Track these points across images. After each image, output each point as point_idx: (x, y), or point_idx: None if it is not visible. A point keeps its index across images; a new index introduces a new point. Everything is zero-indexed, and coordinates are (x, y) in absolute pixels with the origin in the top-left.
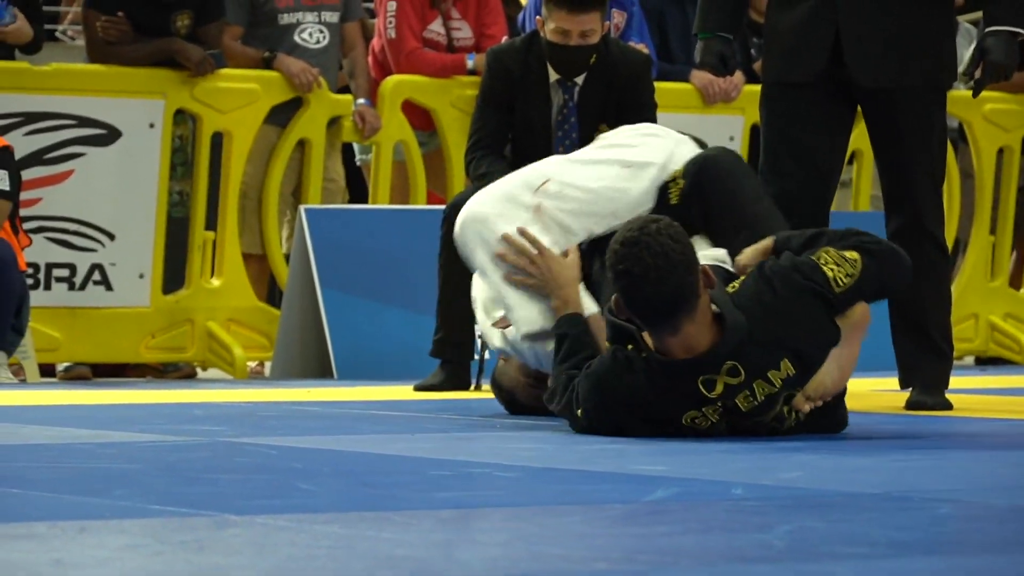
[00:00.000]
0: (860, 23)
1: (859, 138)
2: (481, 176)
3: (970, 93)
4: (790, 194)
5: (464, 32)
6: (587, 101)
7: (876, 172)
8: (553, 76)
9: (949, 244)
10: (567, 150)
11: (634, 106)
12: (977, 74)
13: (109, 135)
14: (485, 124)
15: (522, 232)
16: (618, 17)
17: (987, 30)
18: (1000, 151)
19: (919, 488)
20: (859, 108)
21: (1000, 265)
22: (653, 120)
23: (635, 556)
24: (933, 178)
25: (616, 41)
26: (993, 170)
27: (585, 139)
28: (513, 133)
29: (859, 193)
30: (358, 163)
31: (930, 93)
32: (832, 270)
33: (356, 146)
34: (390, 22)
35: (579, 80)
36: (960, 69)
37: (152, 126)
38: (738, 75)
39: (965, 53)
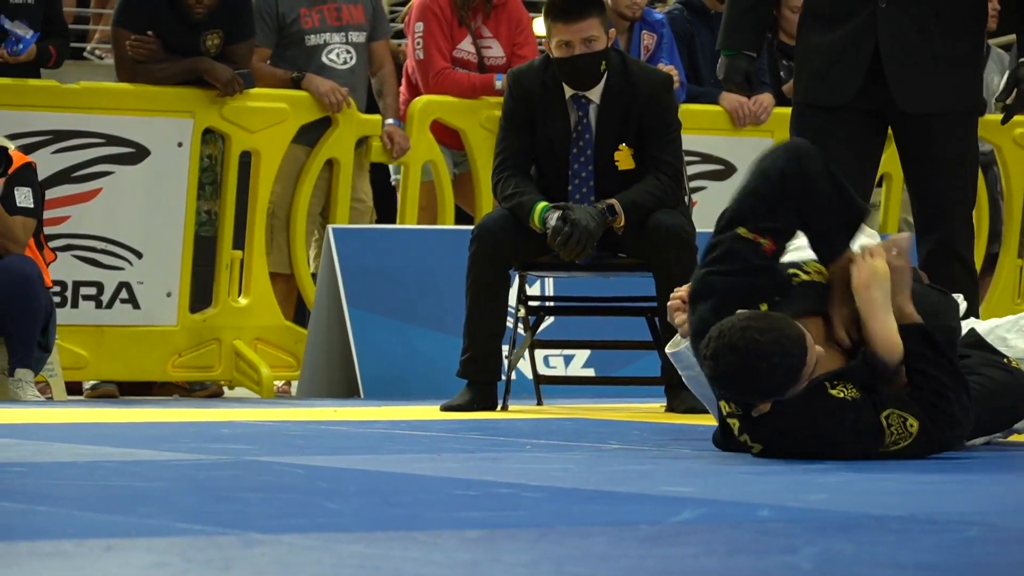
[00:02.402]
0: (901, 47)
1: (888, 161)
2: (508, 197)
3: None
4: None
5: (495, 51)
6: (605, 119)
7: (905, 195)
8: (568, 93)
9: (977, 265)
10: (581, 167)
11: (657, 126)
12: (1009, 101)
13: (137, 153)
14: (509, 145)
15: None
16: (648, 39)
17: (1022, 60)
18: None
19: (946, 511)
20: (888, 131)
21: None
22: (677, 140)
23: None
24: (965, 202)
25: (636, 61)
26: (1023, 194)
27: (601, 157)
28: (536, 152)
29: (888, 216)
30: (393, 183)
31: (964, 118)
32: (891, 433)
33: (391, 166)
34: (418, 43)
35: (595, 97)
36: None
37: (180, 145)
38: (768, 97)
39: (995, 77)
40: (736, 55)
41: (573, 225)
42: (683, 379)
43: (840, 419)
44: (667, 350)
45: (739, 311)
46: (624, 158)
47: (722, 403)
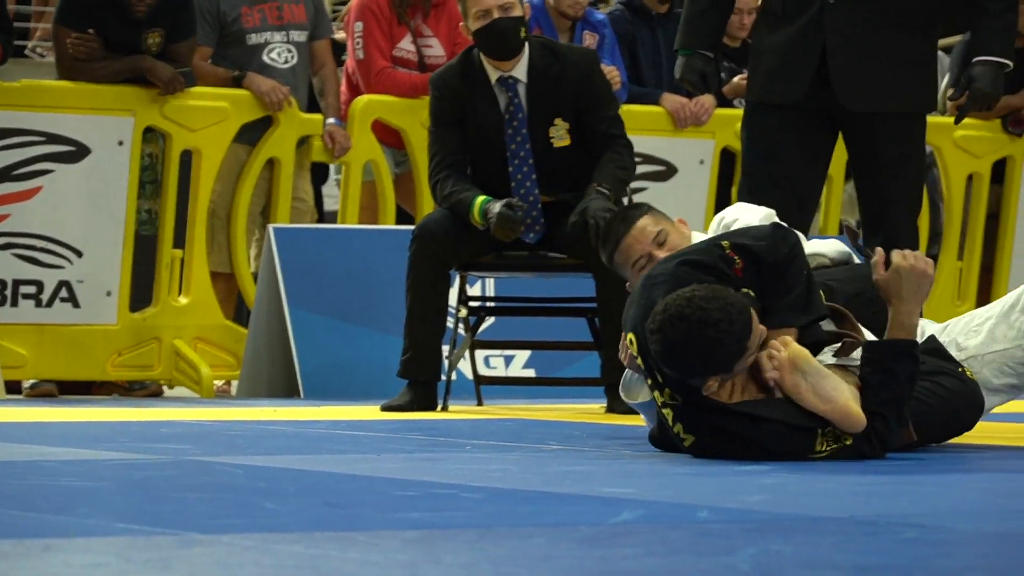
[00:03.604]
0: (847, 47)
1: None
2: (447, 196)
3: (941, 119)
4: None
5: (436, 50)
6: (535, 96)
7: (846, 196)
8: (494, 76)
9: None
10: (519, 147)
11: (595, 102)
12: (962, 101)
13: (78, 152)
14: (442, 146)
15: None
16: (589, 39)
17: (975, 59)
18: (970, 177)
19: (885, 512)
20: (839, 133)
21: (967, 291)
22: (616, 113)
23: None
24: (910, 204)
25: (559, 42)
26: (963, 196)
27: (537, 135)
28: (471, 147)
29: (828, 217)
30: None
31: (912, 119)
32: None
33: (332, 166)
34: (358, 43)
35: (521, 76)
36: (941, 95)
37: (121, 143)
38: (709, 98)
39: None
40: (692, 55)
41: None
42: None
43: (774, 419)
44: (627, 400)
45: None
46: (559, 134)
47: (656, 393)
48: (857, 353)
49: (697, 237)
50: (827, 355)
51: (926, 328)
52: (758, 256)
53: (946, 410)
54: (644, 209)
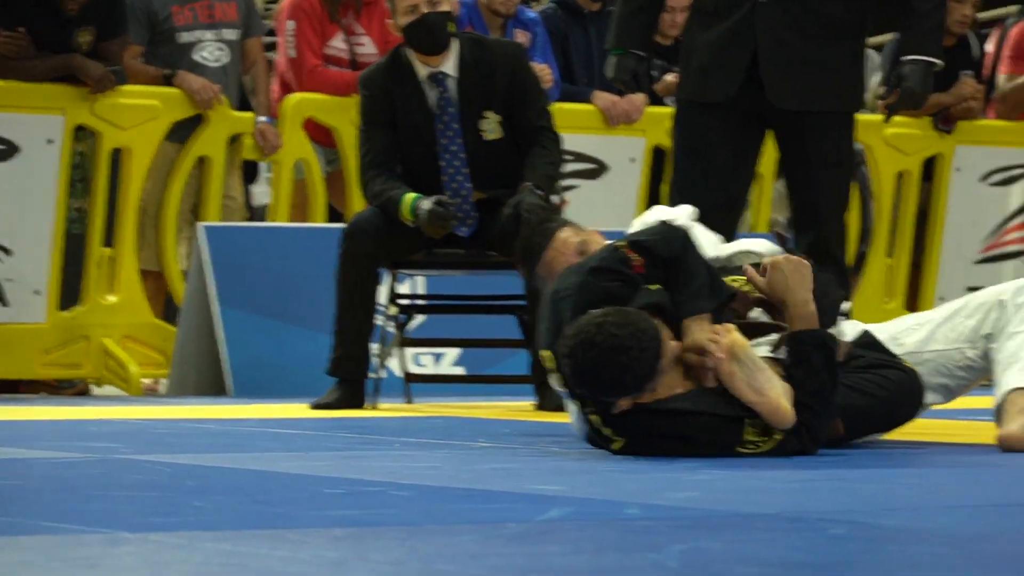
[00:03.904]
0: (777, 46)
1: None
2: (377, 195)
3: (872, 117)
4: (698, 214)
5: (368, 48)
6: (465, 90)
7: (775, 194)
8: (423, 73)
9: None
10: (450, 142)
11: (524, 95)
12: (892, 100)
13: (8, 150)
14: (373, 146)
15: None
16: (521, 37)
17: (904, 58)
18: (899, 175)
19: (813, 509)
20: (769, 131)
21: (896, 288)
22: (545, 105)
23: (529, 575)
24: (840, 202)
25: (487, 37)
26: (892, 193)
27: (468, 129)
28: (402, 145)
29: (759, 215)
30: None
31: (841, 118)
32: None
33: (263, 164)
34: (290, 41)
35: (451, 71)
36: (869, 94)
37: (51, 142)
38: (640, 96)
39: (869, 78)
40: (625, 54)
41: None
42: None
43: (701, 411)
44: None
45: (591, 310)
46: (491, 127)
47: (580, 403)
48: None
49: None
50: (763, 348)
51: (849, 328)
52: (654, 250)
53: (892, 402)
54: (562, 221)
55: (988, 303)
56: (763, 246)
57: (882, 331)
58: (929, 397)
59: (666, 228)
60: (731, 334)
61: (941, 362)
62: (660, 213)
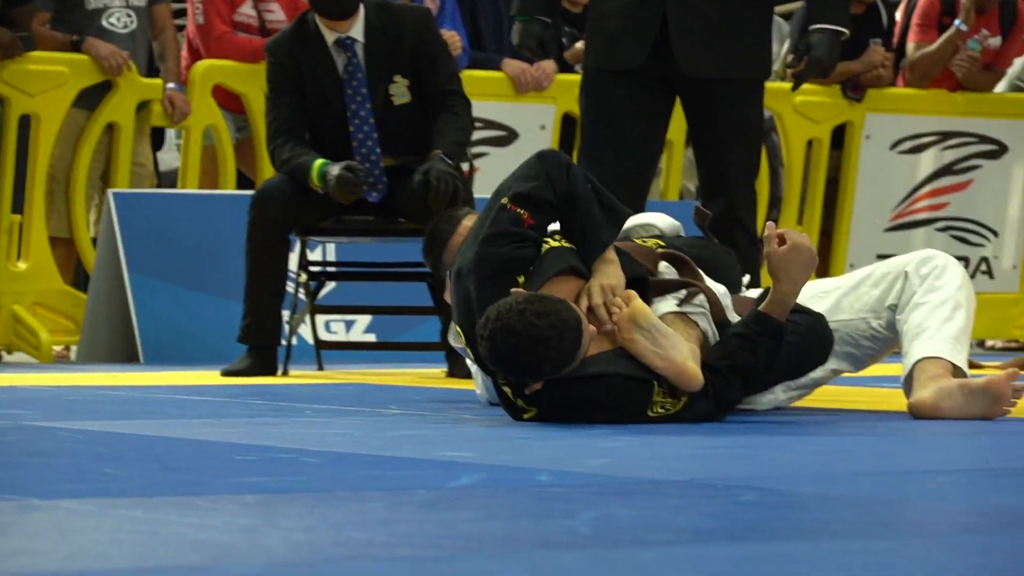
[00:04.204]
0: (686, 13)
1: (670, 128)
2: (285, 162)
3: (781, 85)
4: (607, 182)
5: (277, 14)
6: (373, 55)
7: (686, 161)
8: (331, 38)
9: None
10: (359, 107)
11: (432, 59)
12: (799, 68)
13: None
14: (280, 113)
15: None
16: (430, 3)
17: (812, 27)
18: (809, 143)
19: (725, 475)
20: (677, 98)
21: None
22: (454, 70)
23: (440, 542)
24: (749, 170)
25: (394, 2)
26: (802, 161)
27: (377, 94)
28: (310, 112)
29: (669, 183)
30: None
31: (751, 85)
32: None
33: (172, 131)
34: (198, 7)
35: (358, 36)
36: (777, 64)
37: None
38: (550, 63)
39: (775, 46)
40: (530, 21)
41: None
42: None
43: (611, 374)
44: (455, 344)
45: (514, 291)
46: (400, 91)
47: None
48: (699, 300)
49: None
50: (670, 302)
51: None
52: (540, 199)
53: (803, 347)
54: (466, 210)
55: (893, 273)
56: (666, 220)
57: None
58: (836, 364)
59: (546, 163)
60: (632, 303)
61: (847, 331)
62: None
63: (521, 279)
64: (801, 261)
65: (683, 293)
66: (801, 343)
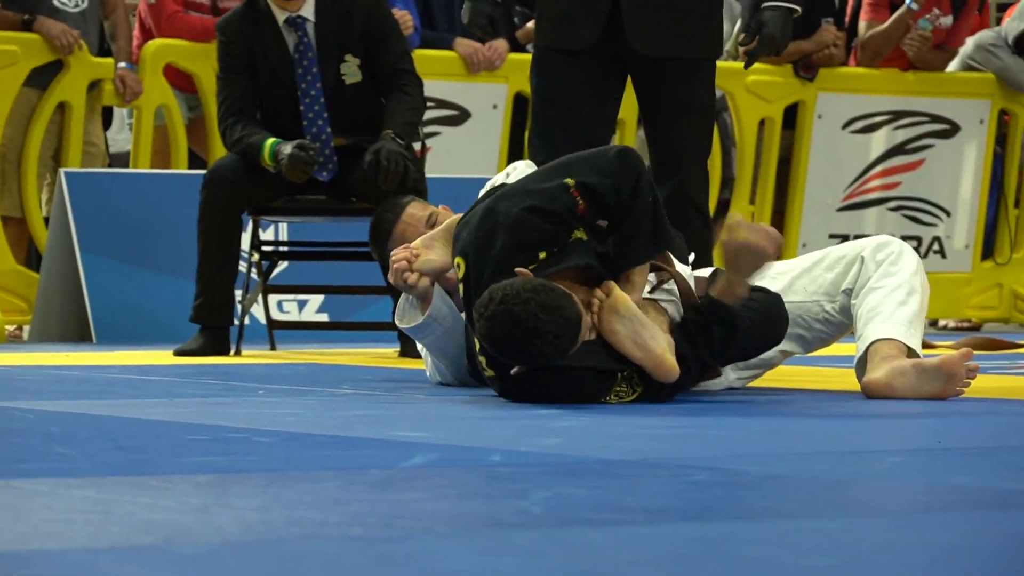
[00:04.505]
0: None
1: (622, 107)
2: (237, 141)
3: (733, 64)
4: None
5: None
6: (324, 34)
7: (638, 141)
8: (281, 17)
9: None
10: (309, 86)
11: (383, 36)
12: (752, 46)
13: None
14: (230, 92)
15: None
16: None
17: (765, 4)
18: (761, 122)
19: (676, 455)
20: (627, 77)
21: None
22: (405, 48)
23: (392, 522)
24: (701, 149)
25: None
26: (755, 141)
27: (328, 72)
28: (261, 92)
29: None
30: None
31: (703, 64)
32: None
33: (124, 111)
34: None
35: (309, 15)
36: (728, 43)
37: None
38: (502, 43)
39: (728, 27)
40: None
41: (388, 158)
42: (425, 346)
43: (583, 367)
44: (401, 325)
45: (521, 272)
46: (351, 70)
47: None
48: (669, 286)
49: None
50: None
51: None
52: (602, 197)
53: (760, 326)
54: (410, 198)
55: (848, 258)
56: None
57: None
58: (786, 346)
59: (622, 164)
60: (613, 293)
61: (799, 313)
62: (524, 168)
63: (542, 255)
64: (753, 258)
65: (654, 279)
66: (756, 324)
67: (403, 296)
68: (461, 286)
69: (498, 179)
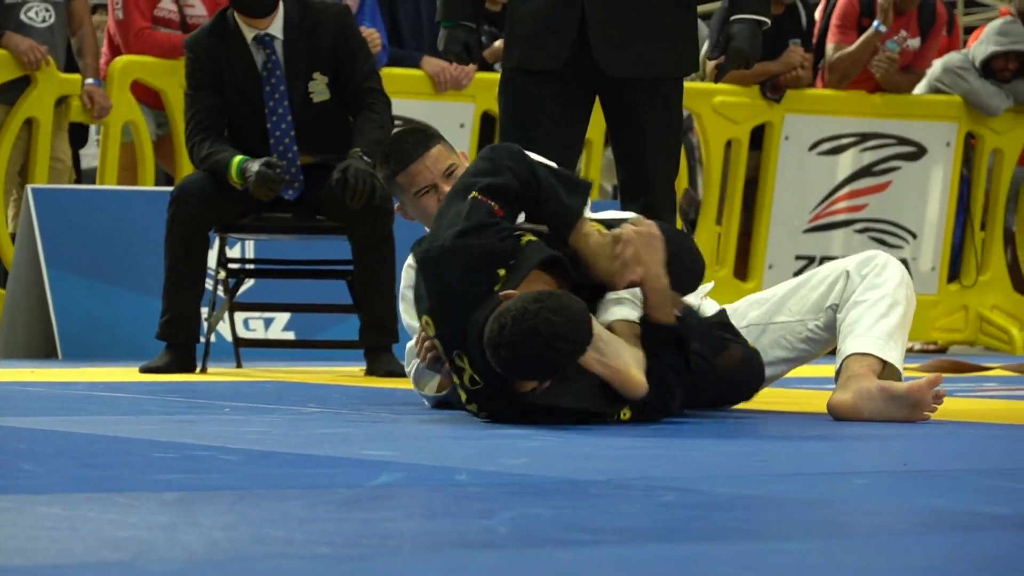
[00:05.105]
0: (606, 11)
1: (590, 128)
2: (204, 158)
3: (701, 84)
4: None
5: (198, 9)
6: (292, 52)
7: (606, 160)
8: (250, 35)
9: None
10: (277, 104)
11: (350, 55)
12: (721, 60)
13: None
14: (198, 109)
15: None
16: (350, 1)
17: (733, 18)
18: (728, 143)
19: (644, 476)
20: (595, 97)
21: (726, 255)
22: (373, 67)
23: (359, 541)
24: (669, 170)
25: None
26: (721, 161)
27: (295, 90)
28: (229, 109)
29: None
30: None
31: (669, 84)
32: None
33: (92, 127)
34: (118, 2)
35: (278, 33)
36: (700, 61)
37: None
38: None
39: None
40: (455, 26)
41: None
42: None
43: (571, 409)
44: (418, 391)
45: (504, 294)
46: (319, 88)
47: (455, 377)
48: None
49: None
50: (627, 308)
51: (707, 307)
52: (507, 187)
53: (734, 379)
54: (439, 138)
55: (834, 275)
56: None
57: (728, 306)
58: (769, 370)
59: (498, 156)
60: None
61: (782, 334)
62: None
63: (502, 272)
64: (638, 250)
65: (639, 294)
66: (728, 375)
67: (416, 362)
68: (438, 341)
69: (409, 277)
